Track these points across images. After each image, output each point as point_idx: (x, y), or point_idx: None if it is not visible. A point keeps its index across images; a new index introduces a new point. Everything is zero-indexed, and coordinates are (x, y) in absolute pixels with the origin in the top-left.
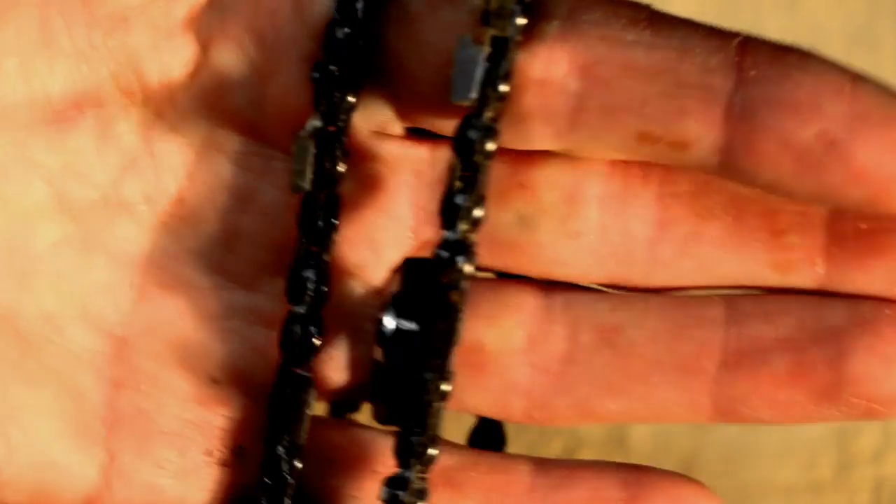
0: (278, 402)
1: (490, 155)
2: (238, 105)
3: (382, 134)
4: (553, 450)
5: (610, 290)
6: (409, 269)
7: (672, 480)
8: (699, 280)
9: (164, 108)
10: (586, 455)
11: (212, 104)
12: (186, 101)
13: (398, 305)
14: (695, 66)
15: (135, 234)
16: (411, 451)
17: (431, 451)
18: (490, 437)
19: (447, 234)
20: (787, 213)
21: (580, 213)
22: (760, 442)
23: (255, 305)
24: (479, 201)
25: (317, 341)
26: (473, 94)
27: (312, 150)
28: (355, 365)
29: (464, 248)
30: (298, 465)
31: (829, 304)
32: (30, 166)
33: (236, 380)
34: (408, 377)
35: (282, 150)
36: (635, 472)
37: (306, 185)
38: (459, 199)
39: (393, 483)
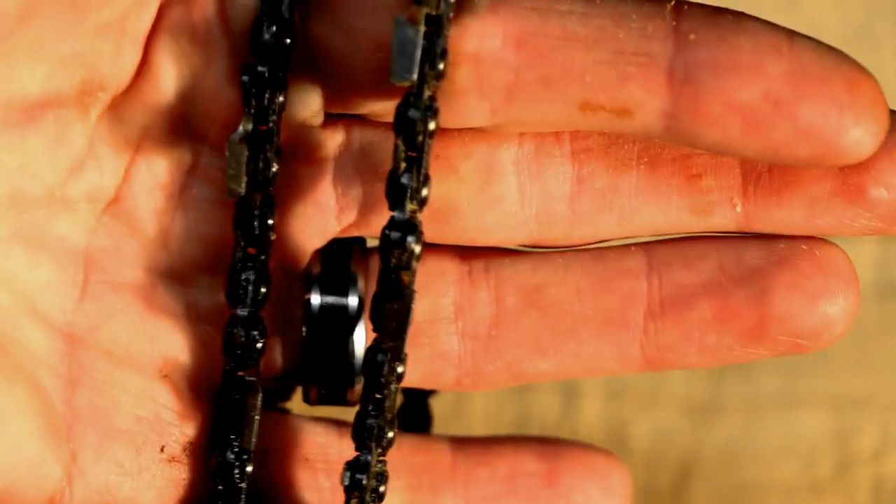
0: (226, 406)
1: (432, 134)
2: (172, 102)
3: (306, 126)
4: None
5: (527, 250)
6: (329, 249)
7: (586, 451)
8: (620, 232)
9: (110, 110)
10: None
11: (149, 104)
12: (128, 103)
13: (322, 284)
14: (632, 33)
15: (75, 232)
16: (370, 434)
17: (389, 434)
18: (417, 418)
19: (395, 214)
20: (702, 156)
21: (498, 178)
22: (760, 441)
23: (193, 302)
24: (425, 181)
25: (260, 344)
26: (414, 75)
27: (245, 153)
28: (284, 352)
29: (413, 227)
30: (248, 469)
31: (746, 245)
32: None
33: (183, 375)
34: (337, 354)
35: (209, 145)
36: (551, 445)
37: (241, 189)
38: (405, 180)
39: (354, 467)
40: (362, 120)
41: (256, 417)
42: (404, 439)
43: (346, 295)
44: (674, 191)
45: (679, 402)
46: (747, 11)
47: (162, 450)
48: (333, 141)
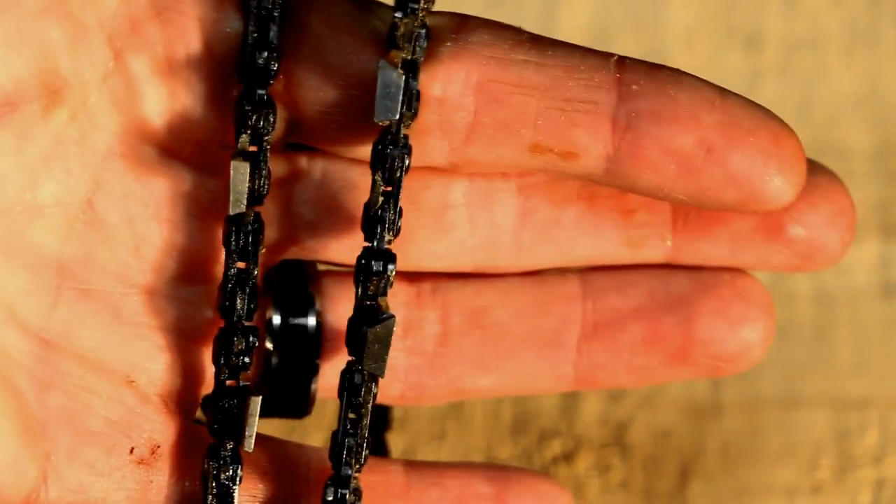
0: (220, 414)
1: (406, 170)
2: (145, 115)
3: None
4: (551, 451)
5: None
6: (283, 269)
7: (534, 478)
8: (558, 261)
9: (78, 111)
10: (585, 457)
11: (121, 111)
12: (97, 106)
13: (282, 303)
14: (580, 83)
15: (47, 239)
16: (350, 452)
17: (365, 452)
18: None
19: (374, 244)
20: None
21: (450, 209)
22: (761, 442)
23: (162, 310)
24: (400, 213)
25: (251, 352)
26: (396, 115)
27: (248, 173)
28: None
29: (391, 257)
30: (240, 472)
31: (673, 274)
32: None
33: (150, 381)
34: (299, 371)
35: (182, 161)
36: (501, 471)
37: (243, 207)
38: (382, 212)
39: (336, 483)
40: (321, 152)
41: (253, 421)
42: None
43: (305, 315)
44: (610, 225)
45: (679, 402)
46: (745, 13)
47: (131, 452)
48: (293, 168)
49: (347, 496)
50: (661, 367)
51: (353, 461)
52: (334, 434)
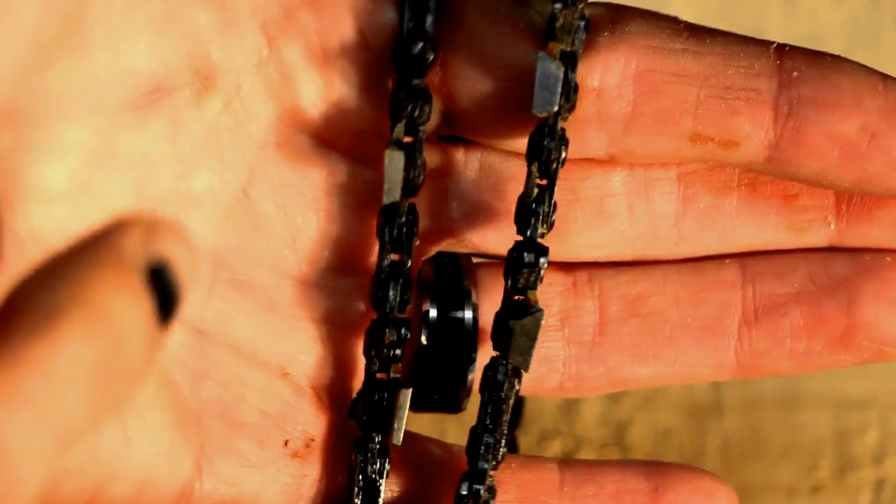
0: (370, 406)
1: (563, 162)
2: (300, 103)
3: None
4: (552, 451)
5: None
6: (440, 261)
7: (693, 473)
8: (720, 248)
9: (231, 99)
10: (585, 456)
11: (276, 100)
12: (251, 94)
13: (439, 296)
14: (740, 70)
15: (202, 228)
16: (487, 448)
17: (503, 449)
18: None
19: (527, 237)
20: None
21: (610, 198)
22: (761, 442)
23: (317, 302)
24: (554, 207)
25: (402, 345)
26: (555, 107)
27: (402, 162)
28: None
29: (543, 250)
30: (387, 466)
31: (833, 257)
32: (116, 156)
33: (305, 374)
34: (453, 363)
35: (338, 151)
36: (657, 466)
37: (397, 197)
38: (536, 205)
39: (471, 478)
40: (476, 143)
41: (402, 414)
42: (512, 458)
43: (462, 308)
44: (772, 210)
45: (679, 402)
46: (745, 13)
47: (286, 444)
48: (447, 159)
49: (482, 492)
50: (825, 352)
51: (490, 457)
52: (473, 429)
